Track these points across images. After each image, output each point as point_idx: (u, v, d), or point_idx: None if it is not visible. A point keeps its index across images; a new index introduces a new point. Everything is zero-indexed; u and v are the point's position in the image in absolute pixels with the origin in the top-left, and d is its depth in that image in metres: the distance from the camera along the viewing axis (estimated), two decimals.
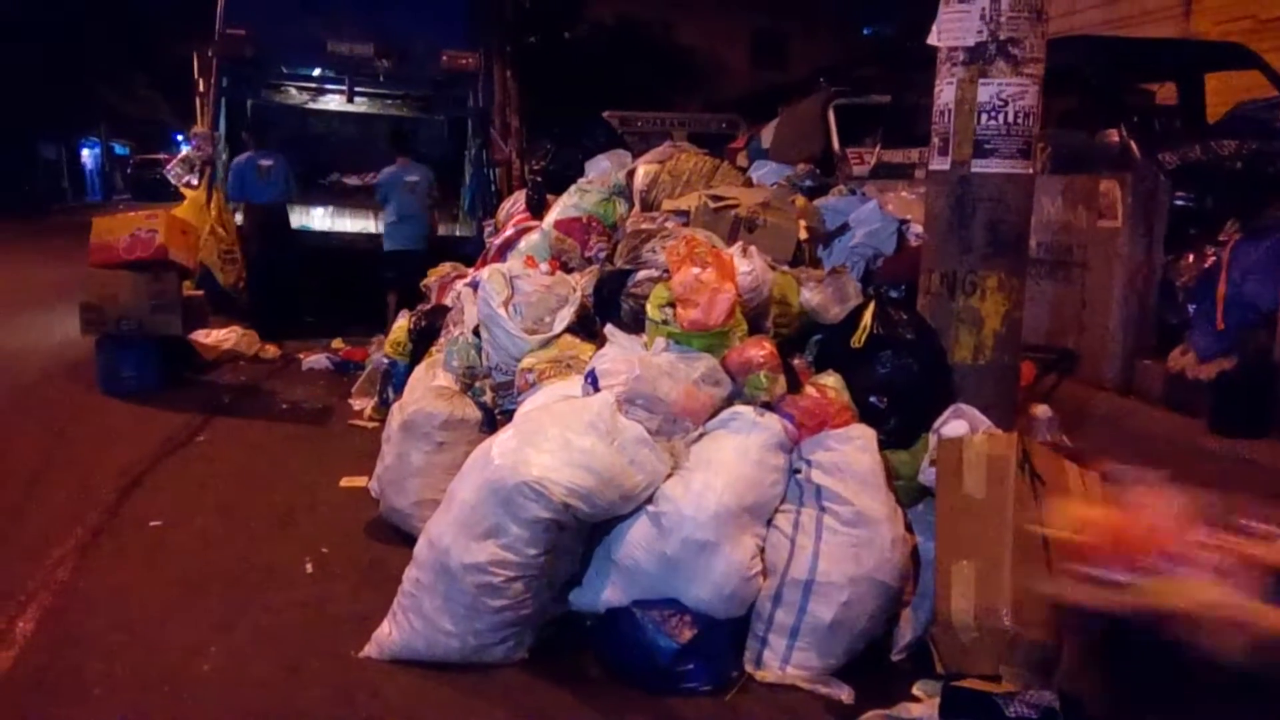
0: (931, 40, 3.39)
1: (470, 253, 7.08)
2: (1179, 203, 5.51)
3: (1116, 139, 5.86)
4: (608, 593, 2.90)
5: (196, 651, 3.03)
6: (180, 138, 24.71)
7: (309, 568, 3.67)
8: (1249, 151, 5.77)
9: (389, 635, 2.93)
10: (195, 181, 8.64)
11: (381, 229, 8.42)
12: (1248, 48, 7.16)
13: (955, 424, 3.07)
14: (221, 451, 5.16)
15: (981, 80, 3.26)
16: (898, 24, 19.23)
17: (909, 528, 3.01)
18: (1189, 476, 3.29)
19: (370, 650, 2.95)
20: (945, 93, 3.36)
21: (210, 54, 9.13)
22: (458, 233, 8.82)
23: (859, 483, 2.93)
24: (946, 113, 3.36)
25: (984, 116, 3.27)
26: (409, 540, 3.24)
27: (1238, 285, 4.92)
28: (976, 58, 3.27)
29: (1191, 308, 5.26)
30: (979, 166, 3.31)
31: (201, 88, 10.13)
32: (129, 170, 36.66)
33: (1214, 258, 5.16)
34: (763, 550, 2.93)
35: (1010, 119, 3.26)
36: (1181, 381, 5.06)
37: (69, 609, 3.32)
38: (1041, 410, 3.91)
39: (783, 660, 2.82)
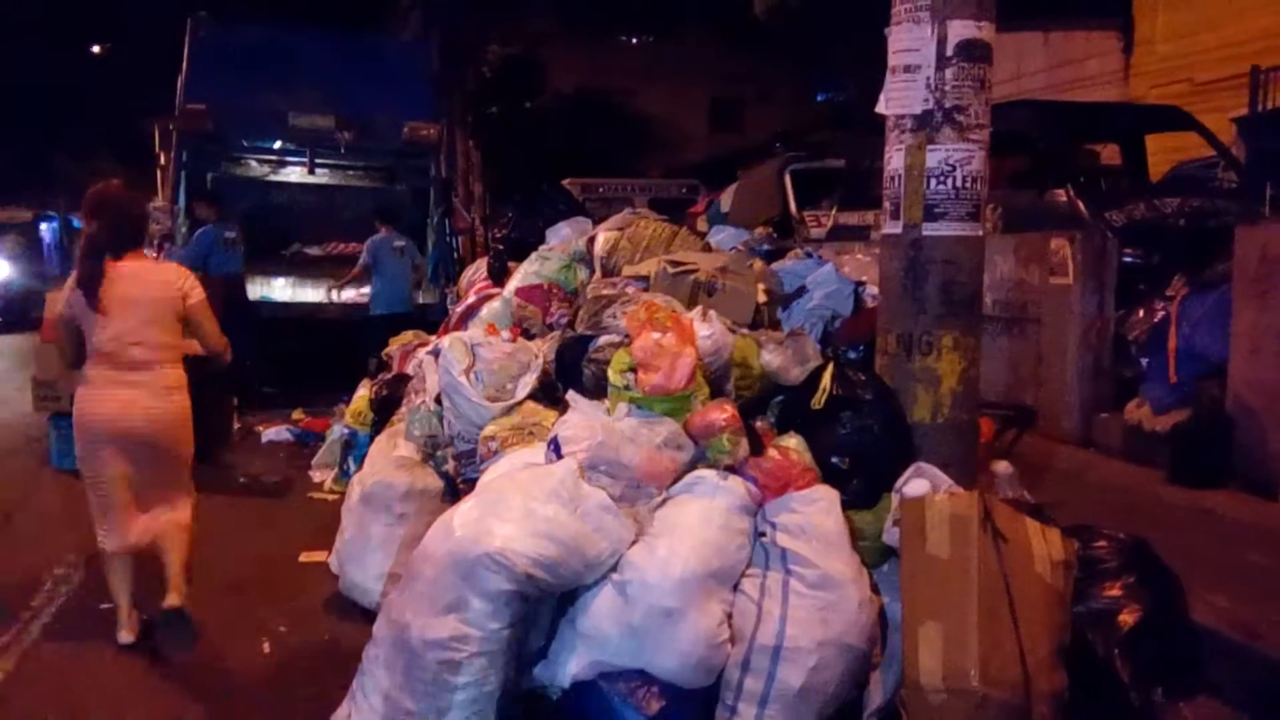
0: (880, 109, 3.48)
1: (434, 321, 7.07)
2: (1127, 259, 5.67)
3: (1064, 199, 6.04)
4: (573, 665, 2.85)
5: None
6: None
7: (266, 647, 3.57)
8: (1191, 209, 5.98)
9: (347, 716, 2.84)
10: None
11: (343, 298, 8.41)
12: (1184, 110, 7.44)
13: (917, 483, 3.07)
14: None
15: (929, 146, 3.35)
16: (851, 90, 19.77)
17: (875, 589, 2.99)
18: (1148, 528, 3.34)
19: None
20: (895, 159, 3.45)
21: (171, 128, 9.16)
22: (421, 300, 8.83)
23: (824, 544, 2.92)
24: (897, 178, 3.44)
25: (933, 181, 3.35)
26: (369, 616, 3.18)
27: (1188, 338, 5.04)
28: (924, 125, 3.36)
29: (1144, 361, 5.37)
30: (930, 230, 3.37)
31: (162, 161, 10.14)
32: None
33: (1163, 312, 5.30)
34: (730, 616, 2.90)
35: (959, 183, 3.35)
36: (1139, 434, 5.15)
37: (15, 698, 3.20)
38: (1002, 466, 3.94)
39: None
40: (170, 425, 3.57)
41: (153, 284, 3.56)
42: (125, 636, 3.60)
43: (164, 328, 3.54)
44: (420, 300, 8.77)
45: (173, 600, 3.57)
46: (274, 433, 6.94)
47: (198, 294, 3.64)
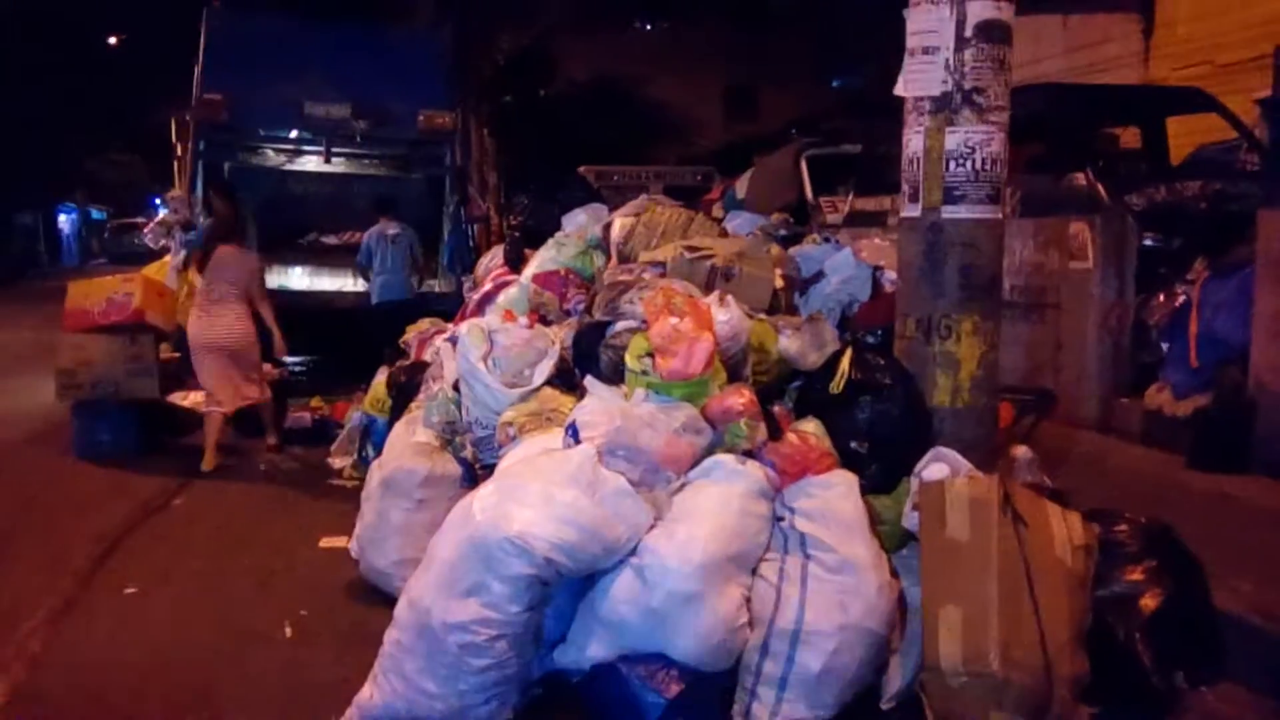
0: (898, 91, 3.46)
1: (449, 309, 7.08)
2: (1147, 243, 5.61)
3: (1084, 182, 5.98)
4: (593, 648, 2.86)
5: None
6: (158, 201, 24.76)
7: (288, 631, 3.61)
8: (1212, 192, 5.90)
9: (370, 699, 2.87)
10: (173, 244, 8.63)
11: (359, 286, 8.45)
12: (1206, 92, 7.34)
13: (936, 467, 3.07)
14: (199, 515, 5.09)
15: (948, 129, 3.33)
16: (866, 76, 19.64)
17: (894, 573, 2.99)
18: (1169, 513, 3.32)
19: (351, 715, 2.88)
20: (914, 141, 3.43)
21: (188, 118, 9.19)
22: (437, 289, 8.84)
23: (843, 529, 2.92)
24: (915, 161, 3.42)
25: (952, 164, 3.33)
26: (390, 600, 3.19)
27: (1209, 323, 5.00)
28: (943, 107, 3.34)
29: (1165, 346, 5.33)
30: (949, 213, 3.35)
31: (179, 152, 10.18)
32: (106, 234, 36.61)
33: (1184, 296, 5.25)
34: (748, 600, 2.90)
35: (978, 166, 3.33)
36: (1159, 419, 5.11)
37: (40, 681, 3.24)
38: (1021, 451, 3.92)
39: (772, 712, 2.78)
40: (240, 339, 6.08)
41: (236, 261, 6.14)
42: (205, 467, 5.81)
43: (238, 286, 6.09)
44: (438, 289, 8.78)
45: (271, 442, 6.33)
46: (293, 420, 6.97)
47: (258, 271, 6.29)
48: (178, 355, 7.24)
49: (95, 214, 39.06)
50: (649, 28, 26.88)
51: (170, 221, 8.81)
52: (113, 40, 25.96)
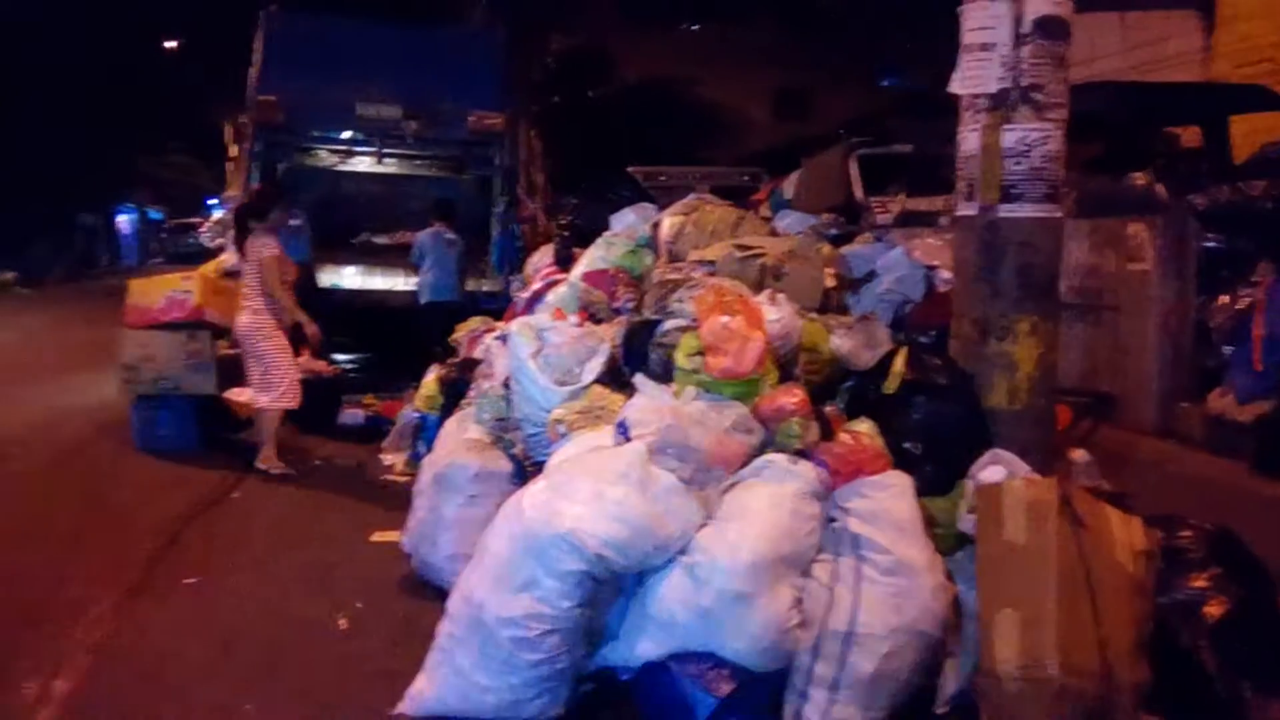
0: (954, 88, 3.42)
1: (498, 309, 7.14)
2: (1209, 245, 5.48)
3: (1143, 182, 5.86)
4: (643, 646, 2.86)
5: (231, 710, 3.02)
6: (213, 202, 25.29)
7: (342, 624, 3.66)
8: (1279, 192, 5.74)
9: (423, 691, 2.90)
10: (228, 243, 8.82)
11: (411, 285, 8.56)
12: (1270, 90, 7.15)
13: (993, 469, 3.03)
14: (256, 508, 5.19)
15: (1006, 126, 3.28)
16: (916, 75, 19.40)
17: (949, 576, 2.95)
18: (1233, 519, 3.23)
19: (404, 707, 2.92)
20: (969, 139, 3.38)
21: (243, 120, 9.36)
22: (485, 288, 8.91)
23: (897, 531, 2.89)
24: (971, 159, 3.37)
25: (1009, 162, 3.28)
26: (442, 595, 3.22)
27: (1274, 326, 4.87)
28: (999, 104, 3.29)
29: (1228, 350, 5.20)
30: (1006, 211, 3.31)
31: (233, 153, 10.36)
32: (163, 234, 37.44)
33: (1248, 299, 5.12)
34: (800, 601, 2.88)
35: (1036, 163, 3.28)
36: (1222, 424, 4.99)
37: (105, 669, 3.32)
38: (1079, 455, 3.85)
39: (823, 714, 2.75)
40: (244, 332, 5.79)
41: (254, 245, 5.80)
42: (259, 463, 5.76)
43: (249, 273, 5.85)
44: (486, 289, 8.85)
45: (258, 462, 5.75)
46: (347, 417, 7.08)
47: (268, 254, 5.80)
48: (236, 351, 7.39)
49: (153, 214, 39.95)
50: (696, 28, 26.85)
51: (226, 221, 9.01)
52: (174, 44, 26.57)
